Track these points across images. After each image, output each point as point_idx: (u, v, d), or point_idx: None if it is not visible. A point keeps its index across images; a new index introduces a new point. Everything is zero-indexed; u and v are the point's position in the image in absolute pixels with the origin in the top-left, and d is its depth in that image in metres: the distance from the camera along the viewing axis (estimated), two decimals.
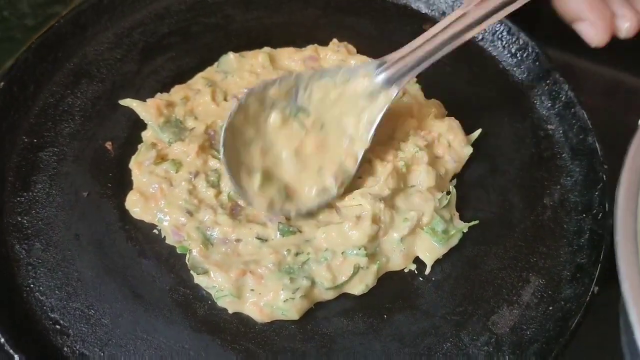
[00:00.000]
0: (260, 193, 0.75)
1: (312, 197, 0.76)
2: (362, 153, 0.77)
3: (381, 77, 0.76)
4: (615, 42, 0.88)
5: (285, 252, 0.73)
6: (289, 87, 0.77)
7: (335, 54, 0.91)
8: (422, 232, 0.77)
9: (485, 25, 0.76)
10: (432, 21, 0.99)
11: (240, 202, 0.77)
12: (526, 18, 0.90)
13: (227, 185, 0.77)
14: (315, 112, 0.78)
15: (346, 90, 0.77)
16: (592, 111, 0.86)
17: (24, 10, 1.08)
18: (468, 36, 0.76)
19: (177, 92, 0.87)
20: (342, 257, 0.73)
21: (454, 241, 0.78)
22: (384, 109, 0.77)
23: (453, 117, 0.86)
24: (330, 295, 0.73)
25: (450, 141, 0.83)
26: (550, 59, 0.91)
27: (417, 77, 0.91)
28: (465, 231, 0.78)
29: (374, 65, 0.77)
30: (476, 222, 0.79)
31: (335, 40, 0.93)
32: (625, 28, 0.76)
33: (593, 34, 0.74)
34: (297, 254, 0.73)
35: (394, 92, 0.76)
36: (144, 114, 0.83)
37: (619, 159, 0.82)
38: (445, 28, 0.76)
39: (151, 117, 0.83)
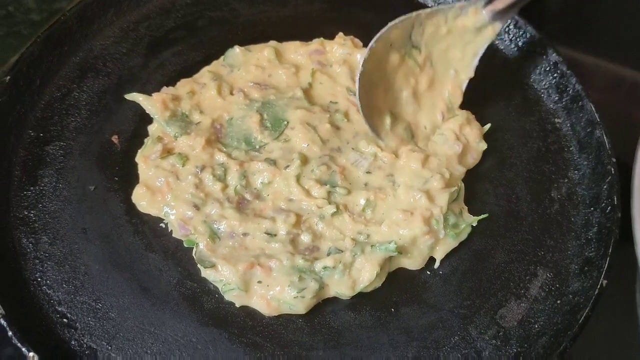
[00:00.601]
0: (391, 132, 0.81)
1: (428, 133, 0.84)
2: (467, 83, 0.85)
3: (489, 13, 0.83)
4: (618, 36, 0.88)
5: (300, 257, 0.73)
6: (409, 26, 0.82)
7: (341, 47, 0.91)
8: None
9: None
10: None
11: (247, 196, 0.77)
12: (533, 12, 0.90)
13: (233, 178, 0.77)
14: (425, 48, 0.84)
15: (455, 25, 0.84)
16: (597, 105, 0.85)
17: (29, 6, 1.08)
18: None
19: (183, 86, 0.87)
20: (370, 251, 0.73)
21: (464, 235, 0.77)
22: (488, 42, 0.85)
23: (468, 111, 0.87)
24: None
25: (466, 135, 0.84)
26: (558, 52, 0.91)
27: None
28: (474, 225, 0.78)
29: (483, 2, 0.83)
30: (485, 215, 0.79)
31: (341, 34, 0.93)
32: None
33: None
34: (315, 259, 0.73)
35: (498, 26, 0.84)
36: (150, 108, 0.83)
37: (625, 152, 0.82)
38: None
39: (157, 111, 0.82)
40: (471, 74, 0.86)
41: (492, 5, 0.83)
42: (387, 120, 0.81)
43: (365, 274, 0.72)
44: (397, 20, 0.81)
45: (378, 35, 0.80)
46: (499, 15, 0.83)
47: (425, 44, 0.84)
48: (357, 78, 0.79)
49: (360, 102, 0.79)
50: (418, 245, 0.75)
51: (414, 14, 0.82)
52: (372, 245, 0.73)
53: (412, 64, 0.83)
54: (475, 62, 0.85)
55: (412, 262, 0.75)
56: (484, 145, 0.84)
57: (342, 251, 0.73)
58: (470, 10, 0.83)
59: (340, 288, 0.72)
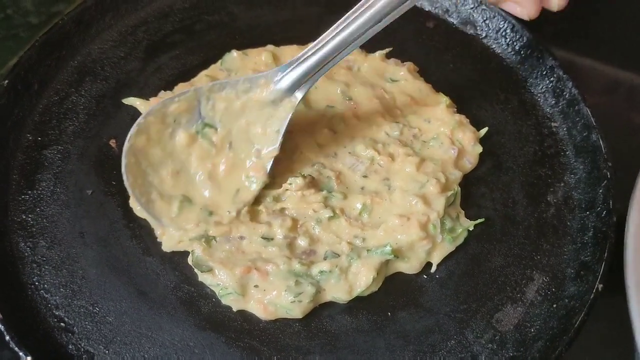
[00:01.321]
0: (179, 219, 0.75)
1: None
2: (272, 162, 0.77)
3: (283, 84, 0.75)
4: (615, 39, 0.88)
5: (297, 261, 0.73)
6: (190, 100, 0.76)
7: None
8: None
9: (385, 22, 0.73)
10: (436, 19, 0.99)
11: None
12: None
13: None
14: (222, 125, 0.77)
15: (249, 100, 0.76)
16: (593, 108, 0.86)
17: (27, 8, 1.08)
18: (369, 34, 0.74)
19: (181, 90, 0.86)
20: (367, 256, 0.73)
21: (461, 239, 0.78)
22: (289, 116, 0.76)
23: (463, 115, 0.87)
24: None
25: (460, 140, 0.84)
26: (554, 57, 0.91)
27: (422, 74, 0.92)
28: (471, 229, 0.78)
29: (275, 72, 0.76)
30: (482, 220, 0.79)
31: None
32: (555, 2, 0.76)
33: (520, 11, 0.74)
34: (311, 263, 0.73)
35: (297, 97, 0.76)
36: None
37: (621, 156, 0.82)
38: (341, 28, 0.74)
39: None
40: (276, 152, 0.77)
41: (285, 76, 0.75)
42: (175, 206, 0.75)
43: (362, 279, 0.72)
44: (174, 96, 0.75)
45: (150, 109, 0.75)
46: (295, 86, 0.75)
47: (221, 121, 0.77)
48: (122, 156, 0.73)
49: (129, 183, 0.73)
50: (415, 250, 0.75)
51: (192, 88, 0.76)
52: (368, 250, 0.74)
53: (207, 144, 0.76)
54: (279, 139, 0.77)
55: (409, 267, 0.76)
56: (479, 149, 0.84)
57: (338, 255, 0.73)
58: (261, 82, 0.76)
59: (337, 292, 0.72)
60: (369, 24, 0.73)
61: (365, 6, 0.73)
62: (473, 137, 0.85)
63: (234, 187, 0.77)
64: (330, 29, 0.74)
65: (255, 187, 0.77)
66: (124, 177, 0.73)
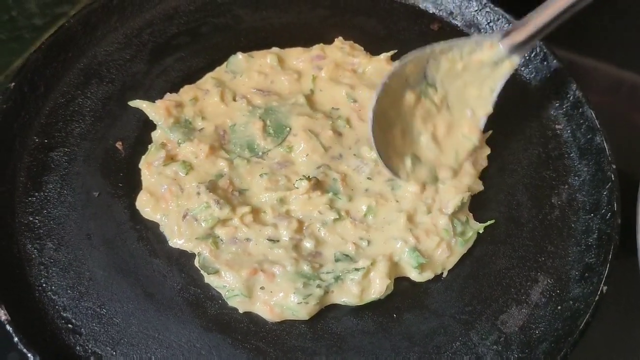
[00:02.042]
0: (413, 175, 0.78)
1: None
2: (485, 120, 0.82)
3: (506, 46, 0.79)
4: (616, 39, 0.87)
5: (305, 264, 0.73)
6: (423, 61, 0.79)
7: (340, 51, 0.92)
8: None
9: None
10: (440, 21, 1.00)
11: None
12: None
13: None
14: (441, 86, 0.81)
15: (472, 61, 0.80)
16: (596, 109, 0.86)
17: (32, 10, 1.08)
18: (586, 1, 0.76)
19: (186, 92, 0.87)
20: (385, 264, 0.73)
21: (471, 242, 0.78)
22: (507, 76, 0.81)
23: None
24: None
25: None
26: (559, 59, 0.91)
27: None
28: (481, 232, 0.79)
29: (499, 35, 0.80)
30: (492, 221, 0.79)
31: (340, 38, 0.94)
32: None
33: None
34: (320, 265, 0.74)
35: (516, 60, 0.80)
36: (154, 115, 0.84)
37: (625, 157, 0.82)
38: None
39: (160, 117, 0.83)
40: (490, 110, 0.82)
41: (509, 39, 0.79)
42: (408, 163, 0.79)
43: (377, 287, 0.72)
44: (410, 55, 0.79)
45: (391, 70, 0.78)
46: (517, 48, 0.80)
47: (441, 82, 0.81)
48: (370, 115, 0.76)
49: (376, 142, 0.77)
50: (435, 259, 0.76)
51: (428, 48, 0.79)
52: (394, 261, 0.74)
53: (429, 104, 0.80)
54: (494, 97, 0.82)
55: (422, 277, 0.76)
56: (487, 150, 0.85)
57: (349, 256, 0.74)
58: (486, 45, 0.80)
59: (348, 297, 0.73)
60: None
61: None
62: (481, 139, 0.85)
63: (453, 147, 0.80)
64: None
65: (470, 145, 0.81)
66: (370, 136, 0.76)
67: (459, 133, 0.81)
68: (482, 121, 0.82)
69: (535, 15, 0.78)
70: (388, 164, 0.78)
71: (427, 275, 0.75)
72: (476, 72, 0.81)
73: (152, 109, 0.84)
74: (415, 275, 0.75)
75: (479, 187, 0.82)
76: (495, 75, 0.81)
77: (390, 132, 0.78)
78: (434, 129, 0.80)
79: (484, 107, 0.82)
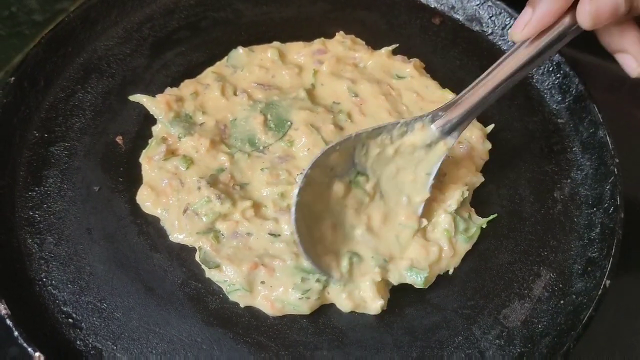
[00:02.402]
0: (351, 275, 0.73)
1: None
2: (423, 205, 0.76)
3: (438, 127, 0.74)
4: None
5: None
6: (349, 148, 0.73)
7: (341, 45, 0.91)
8: None
9: (536, 64, 0.73)
10: (442, 15, 0.99)
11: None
12: None
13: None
14: (372, 173, 0.75)
15: (403, 144, 0.75)
16: (599, 104, 0.86)
17: (31, 6, 1.08)
18: (520, 76, 0.73)
19: (187, 86, 0.87)
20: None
21: (475, 237, 0.78)
22: (442, 159, 0.75)
23: None
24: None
25: (467, 137, 0.84)
26: (561, 53, 0.91)
27: (428, 71, 0.92)
28: (484, 227, 0.78)
29: (430, 116, 0.74)
30: (495, 215, 0.79)
31: (341, 33, 0.93)
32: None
33: (635, 66, 0.74)
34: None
35: (451, 141, 0.75)
36: (154, 109, 0.83)
37: (626, 152, 0.82)
38: (496, 70, 0.73)
39: (161, 112, 0.83)
40: (427, 194, 0.76)
41: (441, 120, 0.74)
42: (345, 263, 0.72)
43: (372, 305, 0.72)
44: (334, 143, 0.72)
45: (314, 159, 0.71)
46: (450, 129, 0.74)
47: (372, 169, 0.75)
48: (292, 210, 0.70)
49: (300, 240, 0.70)
50: (440, 265, 0.75)
51: (353, 134, 0.72)
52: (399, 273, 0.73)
53: (361, 194, 0.74)
54: (430, 181, 0.76)
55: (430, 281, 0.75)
56: (488, 145, 0.84)
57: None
58: (417, 126, 0.74)
59: (340, 303, 0.72)
60: (522, 67, 0.72)
61: (515, 48, 0.73)
62: (480, 134, 0.84)
63: (393, 234, 0.75)
64: (487, 70, 0.74)
65: (409, 233, 0.75)
66: (295, 235, 0.70)
67: (395, 222, 0.75)
68: (419, 207, 0.76)
69: (466, 95, 0.74)
70: (317, 264, 0.71)
71: (432, 279, 0.75)
72: (409, 156, 0.75)
73: (153, 104, 0.83)
74: (420, 284, 0.74)
75: (480, 179, 0.82)
76: (430, 157, 0.75)
77: (318, 229, 0.72)
78: (368, 220, 0.75)
79: (421, 193, 0.76)
